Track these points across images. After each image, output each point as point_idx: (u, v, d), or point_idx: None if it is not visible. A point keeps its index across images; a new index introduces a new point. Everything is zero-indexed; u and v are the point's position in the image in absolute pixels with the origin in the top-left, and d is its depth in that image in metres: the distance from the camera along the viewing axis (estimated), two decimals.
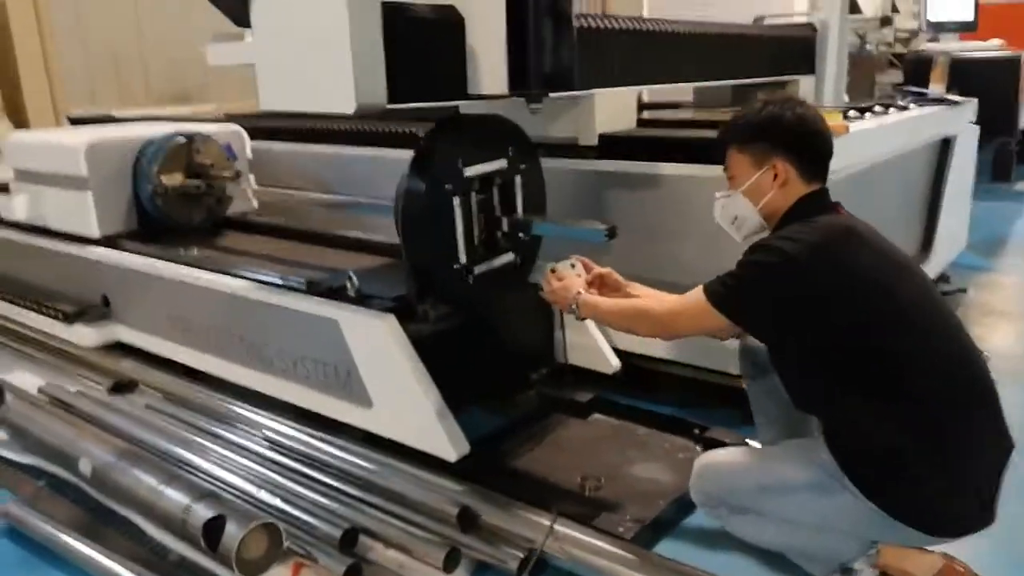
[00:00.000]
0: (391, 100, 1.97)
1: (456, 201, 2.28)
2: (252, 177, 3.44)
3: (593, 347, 2.63)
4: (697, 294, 1.78)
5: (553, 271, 2.15)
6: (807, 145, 1.83)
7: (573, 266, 2.17)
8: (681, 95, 3.67)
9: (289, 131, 3.89)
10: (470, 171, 2.30)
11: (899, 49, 5.61)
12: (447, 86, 2.14)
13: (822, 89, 3.58)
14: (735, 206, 1.91)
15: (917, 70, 5.36)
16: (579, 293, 2.03)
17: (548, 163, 2.61)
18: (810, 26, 4.08)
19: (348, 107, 1.92)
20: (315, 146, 3.74)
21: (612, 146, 2.71)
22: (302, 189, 3.23)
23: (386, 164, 3.16)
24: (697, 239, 2.51)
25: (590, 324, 2.65)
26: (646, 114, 3.25)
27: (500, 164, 2.39)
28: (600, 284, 2.13)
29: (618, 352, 2.64)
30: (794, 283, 1.69)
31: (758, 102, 1.86)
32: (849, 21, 4.08)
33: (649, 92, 3.95)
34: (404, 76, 1.99)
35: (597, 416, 2.63)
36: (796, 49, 3.81)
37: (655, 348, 2.69)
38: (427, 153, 2.25)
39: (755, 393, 2.14)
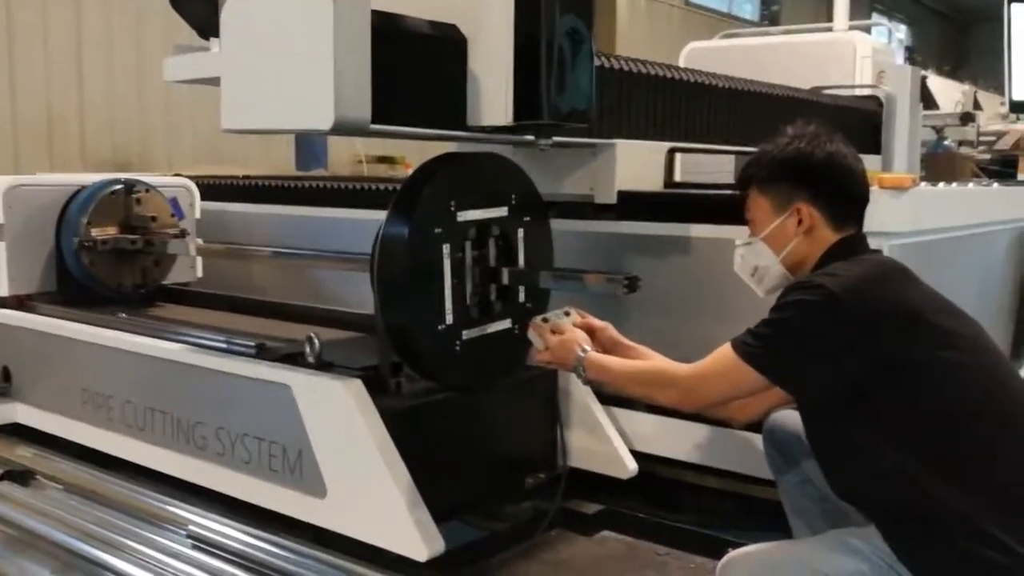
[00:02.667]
0: (376, 119, 2.12)
1: (445, 249, 2.39)
2: (199, 241, 3.62)
3: (604, 446, 2.69)
4: (724, 351, 1.87)
5: (546, 321, 2.24)
6: (837, 187, 1.94)
7: (567, 314, 2.27)
8: (719, 168, 3.91)
9: (247, 190, 4.12)
10: (464, 216, 2.43)
11: (983, 155, 5.90)
12: (443, 111, 2.30)
13: (891, 171, 3.81)
14: (755, 255, 2.02)
15: (1006, 163, 5.66)
16: (584, 350, 2.13)
17: (558, 224, 2.75)
18: (875, 100, 4.40)
19: (325, 122, 2.07)
20: (278, 207, 3.95)
21: (634, 205, 2.87)
22: (260, 256, 3.38)
23: (362, 228, 3.34)
24: (737, 314, 2.60)
25: (601, 416, 2.72)
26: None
27: (500, 212, 2.52)
28: (593, 339, 2.22)
29: (633, 454, 2.70)
30: (841, 326, 1.76)
31: (784, 136, 1.99)
32: (922, 116, 4.38)
33: (683, 168, 4.18)
34: (393, 95, 2.15)
35: (606, 533, 2.66)
36: (859, 122, 4.09)
37: (678, 449, 2.75)
38: (414, 190, 2.39)
39: (787, 488, 2.18)
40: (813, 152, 1.95)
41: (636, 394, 2.08)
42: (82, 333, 3.02)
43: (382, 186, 3.68)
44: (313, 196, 3.92)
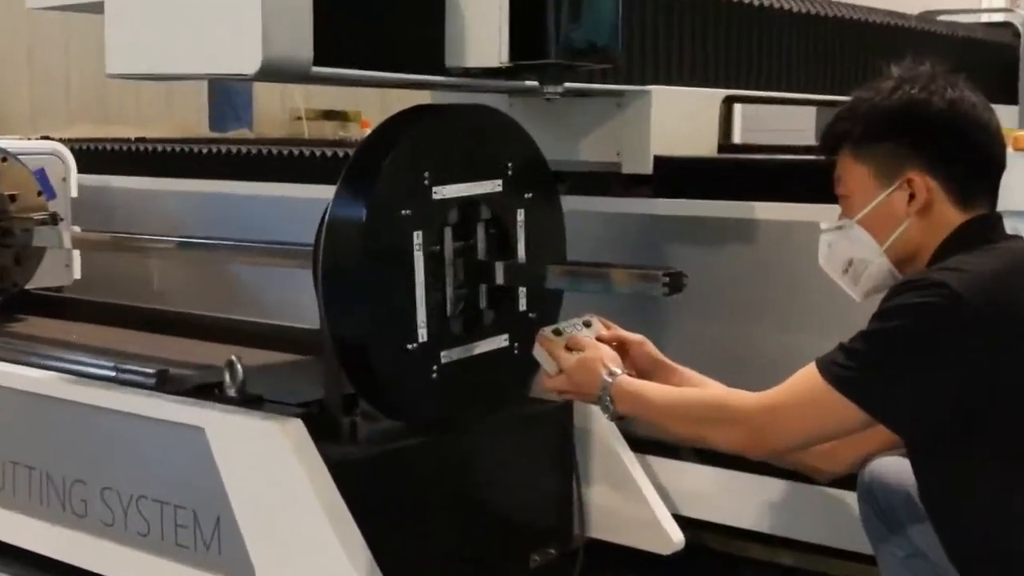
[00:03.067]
0: (320, 60, 2.10)
1: (417, 238, 2.38)
2: (76, 229, 3.60)
3: (638, 509, 2.67)
4: (807, 375, 1.86)
5: (559, 333, 2.23)
6: (963, 149, 1.92)
7: (588, 325, 2.27)
8: (795, 125, 3.89)
9: (142, 158, 4.11)
10: (442, 192, 2.42)
11: None
12: (411, 48, 2.28)
13: None
14: (850, 244, 2.00)
15: None
16: (613, 373, 2.12)
17: (573, 203, 2.73)
18: (1010, 28, 4.36)
19: (249, 64, 2.05)
20: (186, 182, 3.93)
21: (676, 176, 2.86)
22: (161, 249, 3.36)
23: (302, 210, 3.32)
24: (820, 324, 2.58)
25: (633, 467, 2.71)
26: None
27: (492, 187, 2.52)
28: (623, 359, 2.21)
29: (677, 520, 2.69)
30: (969, 339, 1.75)
31: (888, 79, 1.97)
32: None
33: (745, 124, 4.19)
34: (343, 26, 2.14)
35: None
36: (988, 59, 4.07)
37: (740, 514, 2.73)
38: (373, 157, 2.37)
39: (890, 563, 2.17)
40: (930, 101, 1.93)
41: (684, 434, 2.06)
42: None
43: (329, 152, 3.66)
44: (234, 166, 3.91)
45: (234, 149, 3.99)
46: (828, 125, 2.06)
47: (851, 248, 2.02)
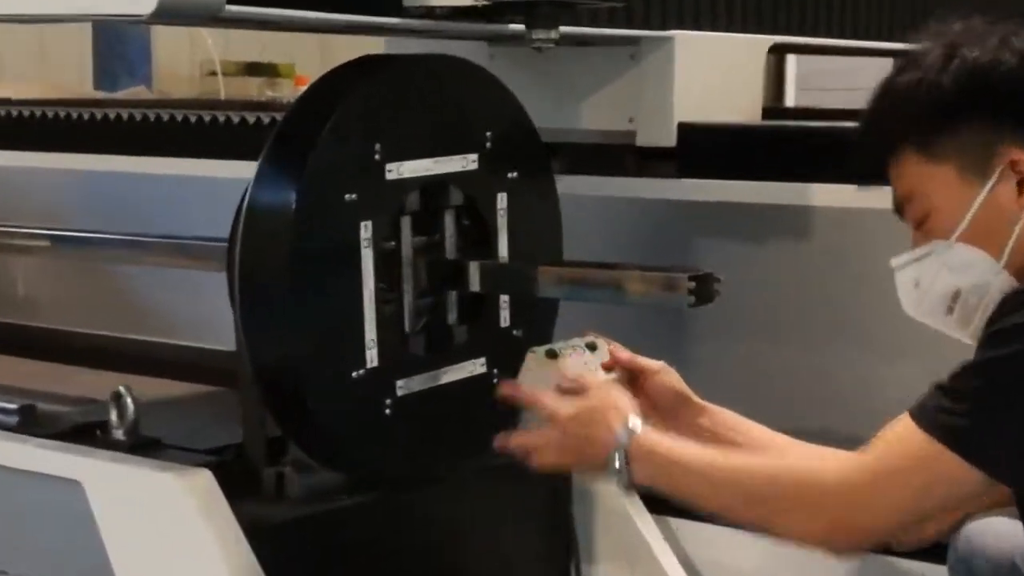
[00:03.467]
0: None
1: (365, 230, 2.42)
2: None
3: None
4: (902, 434, 1.81)
5: (553, 356, 2.26)
6: None
7: (593, 348, 2.29)
8: (866, 80, 3.92)
9: (5, 126, 4.14)
10: (399, 170, 2.46)
11: None
12: None
13: None
14: (950, 272, 1.94)
15: None
16: (630, 427, 2.04)
17: (571, 185, 2.77)
18: None
19: (145, 3, 2.09)
20: (62, 158, 3.96)
21: (707, 149, 2.89)
22: (28, 246, 3.37)
23: (215, 193, 3.35)
24: (903, 344, 2.62)
25: (652, 537, 2.74)
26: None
27: (466, 163, 2.57)
28: (638, 392, 2.20)
29: None
30: None
31: (931, 50, 1.95)
32: None
33: (800, 81, 4.23)
34: None
35: None
36: None
37: None
38: (307, 123, 2.41)
39: None
40: (997, 60, 1.93)
41: (737, 517, 2.01)
42: None
43: (252, 118, 3.68)
44: (126, 136, 3.93)
45: (127, 114, 4.01)
46: (865, 128, 2.06)
47: (955, 277, 1.97)
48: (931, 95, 1.95)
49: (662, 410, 2.24)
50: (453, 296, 2.59)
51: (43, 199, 3.98)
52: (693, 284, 2.33)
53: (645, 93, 2.94)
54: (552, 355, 2.28)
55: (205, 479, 2.34)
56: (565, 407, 2.10)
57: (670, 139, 2.92)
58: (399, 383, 2.48)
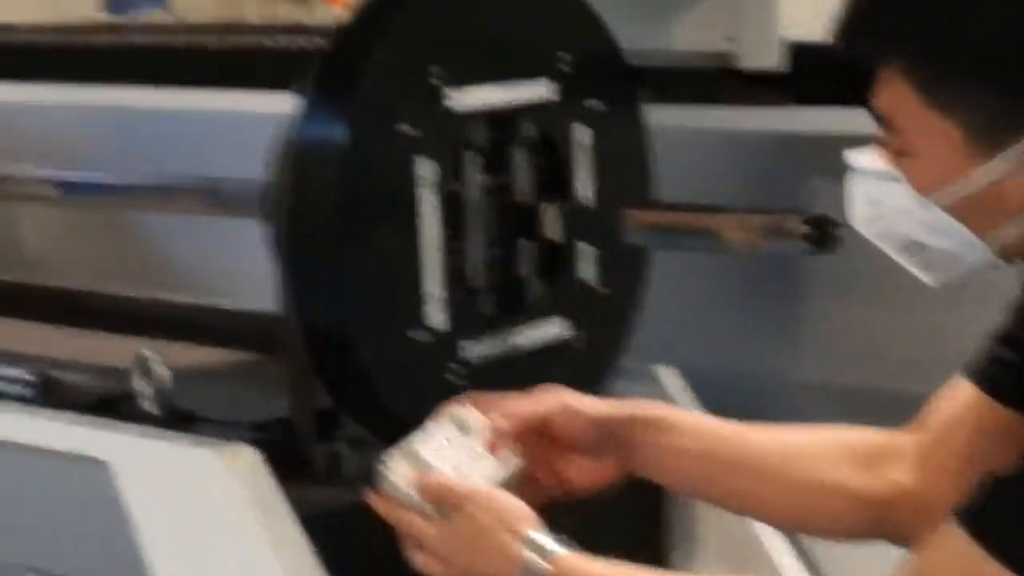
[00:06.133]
0: None
1: (425, 169, 2.43)
2: None
3: None
4: (945, 544, 1.76)
5: (414, 456, 1.98)
6: None
7: (464, 430, 1.99)
8: None
9: (6, 56, 4.17)
10: (462, 99, 2.47)
11: None
12: None
13: None
14: (918, 223, 1.71)
15: None
16: (530, 541, 1.85)
17: (662, 114, 2.76)
18: None
19: None
20: (71, 92, 3.97)
21: (821, 72, 2.79)
22: (35, 194, 3.40)
23: (247, 130, 3.36)
24: None
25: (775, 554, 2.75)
26: None
27: (540, 91, 2.57)
28: (552, 453, 2.04)
29: None
30: None
31: None
32: None
33: None
34: None
35: None
36: None
37: None
38: (355, 49, 2.43)
39: None
40: None
41: None
42: None
43: (287, 44, 3.69)
44: (145, 67, 3.94)
45: (145, 41, 4.03)
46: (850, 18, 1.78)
47: (923, 231, 1.80)
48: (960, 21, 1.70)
49: (582, 450, 2.06)
50: (526, 245, 2.60)
51: (52, 140, 3.99)
52: (808, 228, 2.33)
53: (746, 7, 2.92)
54: (413, 456, 1.99)
55: (250, 457, 2.35)
56: (439, 534, 1.93)
57: (777, 61, 2.90)
58: (464, 345, 2.49)
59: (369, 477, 2.46)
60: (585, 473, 2.02)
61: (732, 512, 2.09)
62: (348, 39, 2.48)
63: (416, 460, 1.94)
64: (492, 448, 1.98)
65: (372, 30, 2.44)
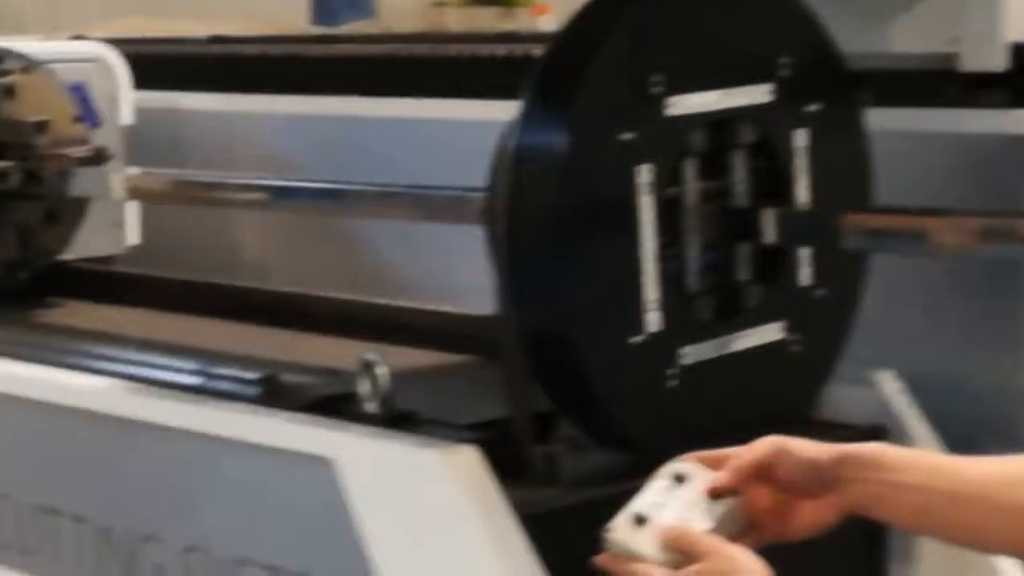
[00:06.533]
0: None
1: (645, 174, 2.44)
2: (135, 170, 3.73)
3: None
4: None
5: (641, 522, 1.92)
6: None
7: (681, 480, 1.96)
8: None
9: (223, 66, 4.26)
10: (682, 105, 2.47)
11: None
12: None
13: None
14: None
15: None
16: None
17: (882, 117, 2.74)
18: None
19: None
20: (287, 101, 4.05)
21: None
22: (255, 200, 3.45)
23: (462, 139, 3.39)
24: None
25: None
26: None
27: (759, 95, 2.57)
28: (772, 503, 1.97)
29: None
30: None
31: None
32: None
33: None
34: None
35: None
36: None
37: None
38: (574, 56, 2.45)
39: None
40: None
41: None
42: None
43: (498, 52, 3.72)
44: (356, 76, 4.00)
45: (355, 52, 4.08)
46: None
47: None
48: None
49: (810, 492, 1.98)
50: (745, 250, 2.59)
51: (267, 148, 4.07)
52: None
53: (969, 8, 2.89)
54: (640, 521, 1.94)
55: (472, 457, 2.38)
56: None
57: (1000, 62, 2.87)
58: (684, 350, 2.50)
59: (586, 480, 2.51)
60: (806, 516, 1.97)
61: (956, 545, 2.04)
62: (568, 47, 2.50)
63: (638, 516, 1.90)
64: (712, 496, 1.95)
65: (592, 38, 2.46)
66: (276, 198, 3.36)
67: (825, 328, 2.69)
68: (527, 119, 2.43)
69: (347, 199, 3.24)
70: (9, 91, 3.66)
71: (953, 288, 2.43)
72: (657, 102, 2.45)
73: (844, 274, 2.68)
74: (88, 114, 3.80)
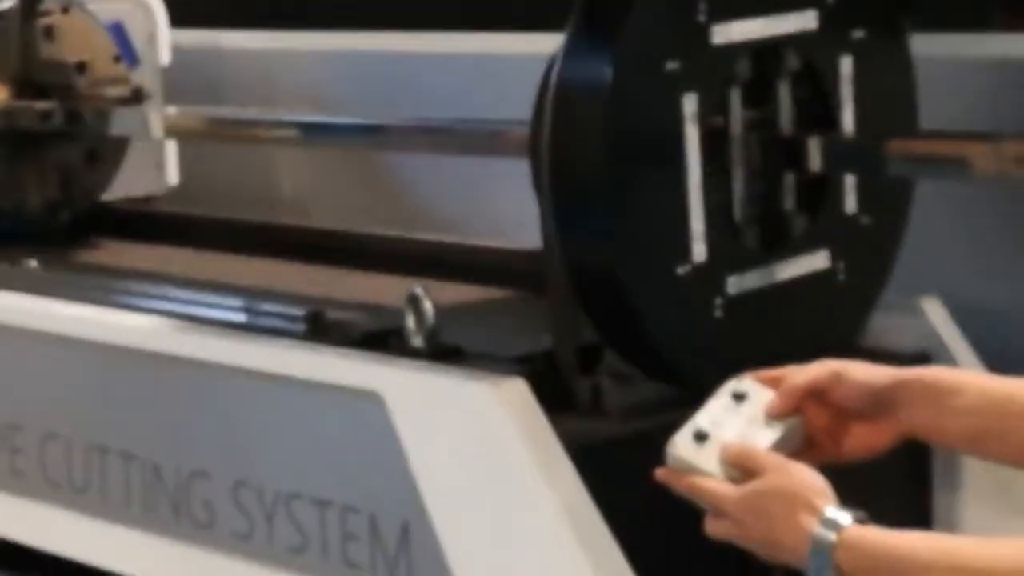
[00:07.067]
0: None
1: (690, 103, 2.43)
2: (171, 110, 3.75)
3: None
4: None
5: (702, 438, 1.95)
6: None
7: (741, 398, 2.00)
8: None
9: (259, 2, 4.26)
10: (727, 33, 2.47)
11: None
12: None
13: None
14: None
15: None
16: (822, 513, 1.80)
17: (928, 43, 2.71)
18: None
19: None
20: (327, 38, 4.03)
21: None
22: (293, 139, 3.45)
23: (505, 71, 3.37)
24: None
25: None
26: None
27: (803, 21, 2.55)
28: (830, 421, 1.99)
29: None
30: None
31: None
32: None
33: None
34: None
35: None
36: None
37: None
38: None
39: None
40: None
41: None
42: None
43: None
44: (396, 11, 3.99)
45: None
46: None
47: None
48: None
49: (859, 416, 2.02)
50: (790, 178, 2.58)
51: (305, 85, 4.07)
52: None
53: None
54: (700, 437, 1.96)
55: (520, 389, 2.39)
56: (735, 497, 1.90)
57: None
58: (730, 280, 2.50)
59: (631, 411, 2.52)
60: (861, 438, 1.99)
61: (1011, 466, 2.03)
62: None
63: (699, 432, 1.92)
64: (771, 416, 1.97)
65: None
66: (315, 134, 3.38)
67: (870, 256, 2.68)
68: (572, 50, 2.43)
69: (389, 134, 3.24)
70: (49, 32, 3.67)
71: (999, 215, 2.41)
72: (702, 30, 2.44)
73: (889, 201, 2.67)
74: (126, 53, 3.81)
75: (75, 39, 3.71)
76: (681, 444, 1.92)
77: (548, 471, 2.34)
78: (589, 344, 2.56)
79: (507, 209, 2.90)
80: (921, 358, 2.69)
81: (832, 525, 1.77)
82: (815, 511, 1.80)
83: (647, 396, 2.57)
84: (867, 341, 2.70)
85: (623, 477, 2.41)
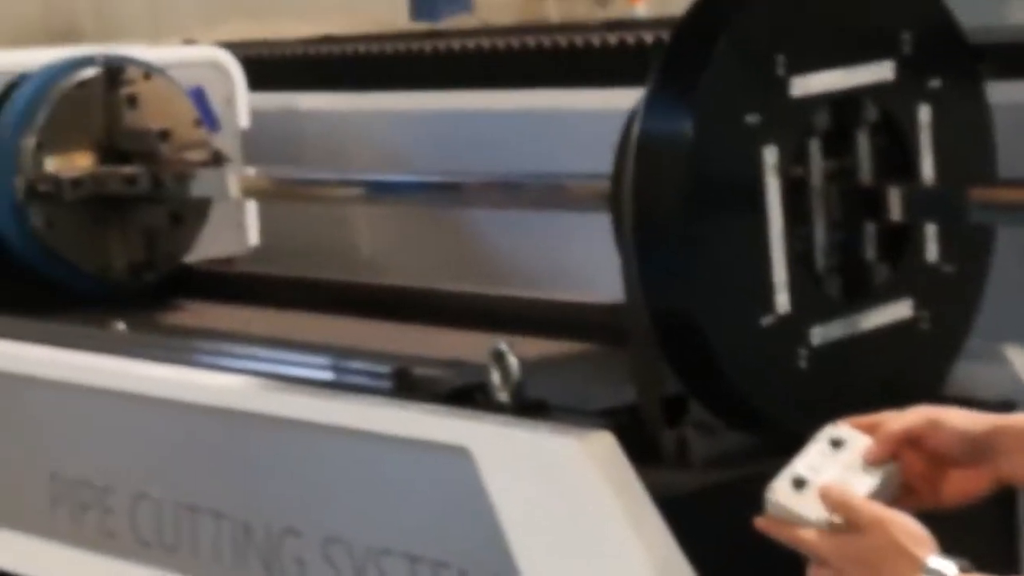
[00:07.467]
0: None
1: (770, 155, 2.45)
2: (251, 171, 3.80)
3: None
4: None
5: (800, 485, 1.95)
6: None
7: (838, 445, 2.00)
8: None
9: (334, 65, 4.31)
10: (805, 85, 2.48)
11: None
12: None
13: None
14: None
15: None
16: (925, 566, 1.81)
17: (1005, 92, 2.75)
18: None
19: None
20: (401, 97, 4.08)
21: None
22: (372, 197, 3.47)
23: (581, 128, 3.40)
24: None
25: None
26: None
27: (882, 72, 2.56)
28: (924, 467, 1.99)
29: None
30: None
31: None
32: None
33: None
34: None
35: None
36: None
37: None
38: (697, 39, 2.46)
39: None
40: None
41: None
42: (40, 364, 3.24)
43: (609, 39, 3.73)
44: (465, 69, 4.03)
45: (463, 46, 4.11)
46: None
47: None
48: None
49: (954, 463, 2.02)
50: (871, 228, 2.59)
51: (381, 145, 4.10)
52: None
53: None
54: (799, 484, 1.96)
55: (608, 442, 2.40)
56: (837, 548, 1.89)
57: None
58: (814, 330, 2.50)
59: (717, 462, 2.53)
60: (959, 485, 2.00)
61: None
62: (692, 31, 2.51)
63: (797, 479, 1.93)
64: (869, 462, 1.97)
65: (716, 22, 2.47)
66: (389, 193, 3.41)
67: (953, 304, 2.68)
68: (653, 104, 2.45)
69: (467, 191, 3.26)
70: (132, 100, 3.72)
71: None
72: (781, 83, 2.46)
73: (971, 249, 2.67)
74: (207, 118, 3.86)
75: (157, 106, 3.76)
76: (780, 490, 1.92)
77: (637, 523, 2.34)
78: (673, 395, 2.56)
79: (580, 263, 2.91)
80: (1007, 406, 2.66)
81: (936, 575, 1.77)
82: (918, 561, 1.79)
83: (731, 447, 2.58)
84: (951, 389, 2.68)
85: (708, 528, 2.44)
